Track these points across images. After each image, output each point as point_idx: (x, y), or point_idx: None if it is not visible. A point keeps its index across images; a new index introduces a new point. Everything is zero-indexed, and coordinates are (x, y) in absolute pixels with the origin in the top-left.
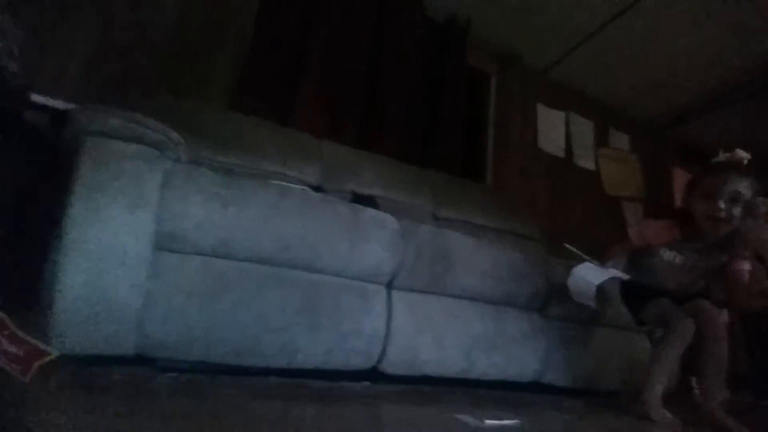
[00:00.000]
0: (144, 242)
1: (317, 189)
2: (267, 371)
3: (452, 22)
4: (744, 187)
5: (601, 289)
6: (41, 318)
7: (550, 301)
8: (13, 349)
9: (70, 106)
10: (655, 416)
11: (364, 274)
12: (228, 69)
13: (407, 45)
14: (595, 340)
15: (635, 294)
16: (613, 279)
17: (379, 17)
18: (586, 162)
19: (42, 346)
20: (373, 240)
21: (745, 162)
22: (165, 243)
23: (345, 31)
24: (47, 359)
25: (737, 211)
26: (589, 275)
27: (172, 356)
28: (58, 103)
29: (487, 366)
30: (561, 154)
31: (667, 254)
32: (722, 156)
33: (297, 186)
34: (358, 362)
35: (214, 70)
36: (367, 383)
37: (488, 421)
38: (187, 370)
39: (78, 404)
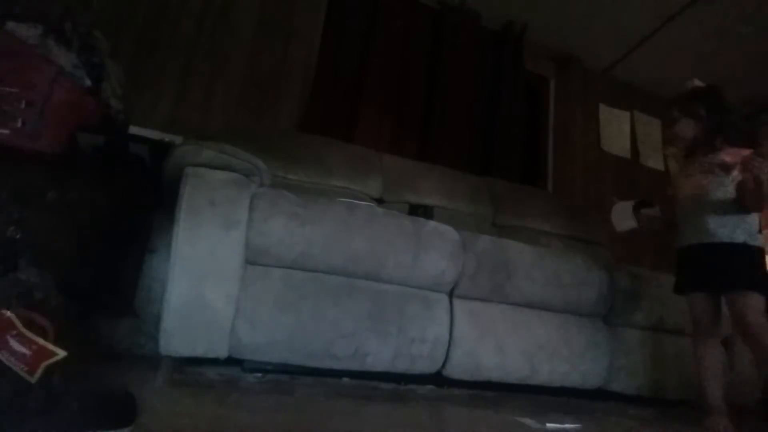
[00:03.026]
0: (236, 257)
1: (379, 201)
2: (340, 373)
3: (508, 29)
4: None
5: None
6: (147, 325)
7: (616, 307)
8: (21, 349)
9: (164, 136)
10: (708, 424)
11: (427, 283)
12: (296, 93)
13: (464, 56)
14: (664, 348)
15: (687, 263)
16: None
17: (436, 32)
18: (654, 162)
19: (49, 345)
20: (435, 251)
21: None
22: (253, 258)
23: (404, 48)
24: (54, 359)
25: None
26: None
27: (258, 358)
28: (153, 134)
29: (550, 373)
30: (626, 154)
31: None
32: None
33: (363, 202)
34: (423, 367)
35: (284, 95)
36: (432, 387)
37: (550, 425)
38: (271, 371)
39: (183, 397)
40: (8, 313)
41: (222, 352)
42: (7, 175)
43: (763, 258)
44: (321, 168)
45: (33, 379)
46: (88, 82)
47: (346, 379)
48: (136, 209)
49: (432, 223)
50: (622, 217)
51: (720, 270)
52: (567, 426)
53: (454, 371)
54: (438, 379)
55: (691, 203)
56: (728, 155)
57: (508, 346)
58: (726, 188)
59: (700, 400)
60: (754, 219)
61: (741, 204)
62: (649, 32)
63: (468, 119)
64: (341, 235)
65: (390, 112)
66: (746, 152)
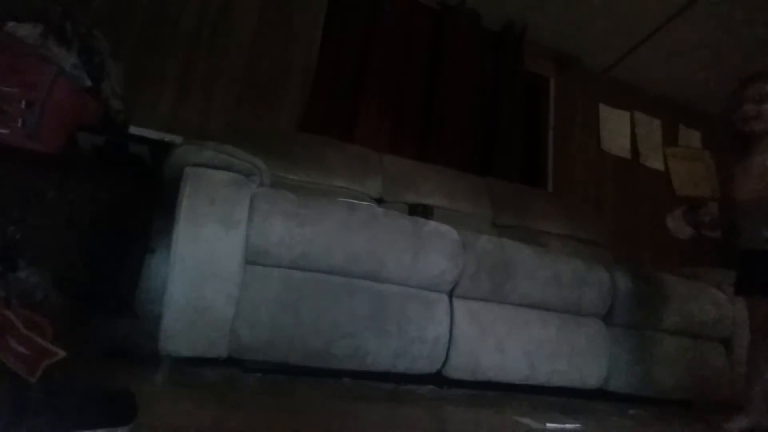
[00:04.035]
0: (236, 257)
1: (379, 201)
2: (340, 373)
3: (508, 29)
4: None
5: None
6: (147, 325)
7: (616, 307)
8: (21, 349)
9: (164, 136)
10: (728, 427)
11: (427, 283)
12: (296, 93)
13: (464, 56)
14: (664, 348)
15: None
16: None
17: (436, 33)
18: (654, 162)
19: (49, 345)
20: (435, 251)
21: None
22: (253, 258)
23: (404, 48)
24: (54, 359)
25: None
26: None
27: (258, 358)
28: (153, 134)
29: (550, 373)
30: (626, 155)
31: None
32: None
33: (363, 202)
34: (423, 367)
35: (284, 95)
36: (432, 387)
37: (549, 425)
38: (271, 371)
39: (183, 397)
40: (8, 313)
41: (222, 352)
42: (6, 175)
43: None
44: (321, 168)
45: (33, 379)
46: (88, 82)
47: (346, 379)
48: (135, 209)
49: (432, 223)
50: (678, 226)
51: None
52: (567, 426)
53: (454, 371)
54: (438, 379)
55: (755, 204)
56: None
57: (508, 346)
58: None
59: (743, 399)
60: None
61: None
62: (649, 32)
63: (468, 119)
64: (341, 236)
65: (390, 112)
66: None
